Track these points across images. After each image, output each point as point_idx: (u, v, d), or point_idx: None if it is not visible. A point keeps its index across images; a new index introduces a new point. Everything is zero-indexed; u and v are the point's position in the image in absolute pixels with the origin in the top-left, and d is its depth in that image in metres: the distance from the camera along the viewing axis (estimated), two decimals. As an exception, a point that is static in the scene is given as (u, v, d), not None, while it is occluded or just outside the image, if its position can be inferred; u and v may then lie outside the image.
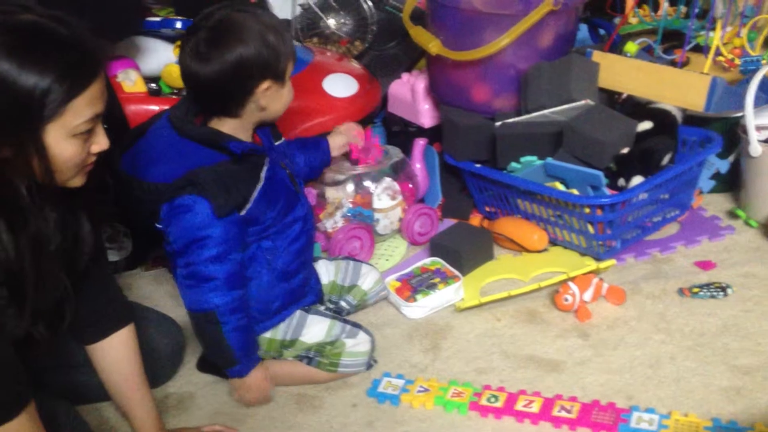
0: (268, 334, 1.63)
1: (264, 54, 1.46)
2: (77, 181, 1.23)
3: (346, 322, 1.66)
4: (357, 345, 1.64)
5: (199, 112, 1.55)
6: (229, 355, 1.50)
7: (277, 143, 1.68)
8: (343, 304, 1.81)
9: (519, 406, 1.53)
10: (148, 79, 2.07)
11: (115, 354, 1.46)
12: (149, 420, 1.48)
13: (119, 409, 1.52)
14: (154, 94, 2.06)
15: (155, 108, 1.95)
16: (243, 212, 1.50)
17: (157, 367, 1.62)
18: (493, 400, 1.55)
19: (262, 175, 1.54)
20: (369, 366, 1.67)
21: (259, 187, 1.53)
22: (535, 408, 1.52)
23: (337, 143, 1.92)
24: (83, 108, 1.15)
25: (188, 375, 1.72)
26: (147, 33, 2.09)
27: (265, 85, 1.49)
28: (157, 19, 2.13)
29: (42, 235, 1.21)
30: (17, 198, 1.16)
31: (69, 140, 1.16)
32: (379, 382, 1.63)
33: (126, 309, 1.49)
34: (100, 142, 1.21)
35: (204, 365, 1.72)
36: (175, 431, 1.54)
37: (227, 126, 1.52)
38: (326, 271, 1.79)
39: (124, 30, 1.93)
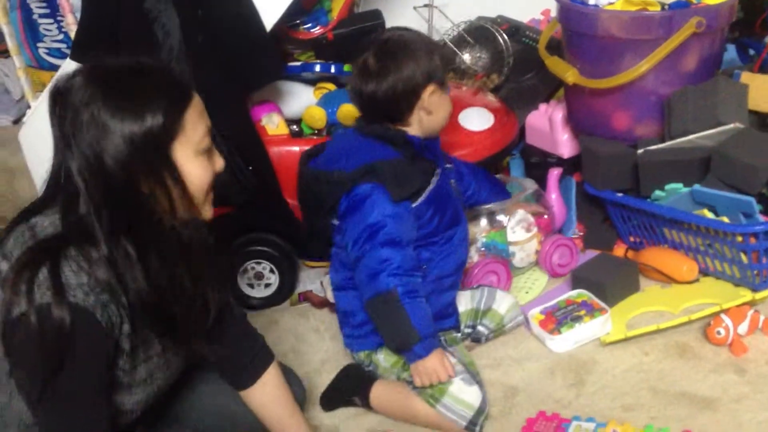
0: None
1: (430, 62, 1.61)
2: (207, 211, 1.29)
3: (469, 371, 1.60)
4: (463, 392, 1.56)
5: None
6: (412, 333, 1.53)
7: (447, 166, 1.76)
8: (480, 329, 1.81)
9: None
10: (290, 122, 2.15)
11: (272, 391, 1.49)
12: None
13: None
14: (296, 136, 2.13)
15: (296, 149, 2.03)
16: (414, 204, 1.62)
17: None
18: None
19: (433, 180, 1.67)
20: (470, 429, 1.56)
21: (430, 188, 1.65)
22: None
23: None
24: (197, 119, 1.21)
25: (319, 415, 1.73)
26: (288, 77, 2.18)
27: (430, 88, 1.62)
28: (298, 63, 2.21)
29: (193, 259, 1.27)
30: (162, 231, 1.22)
31: (196, 158, 1.22)
32: (569, 426, 1.56)
33: (266, 346, 1.52)
34: (218, 161, 1.28)
35: (329, 403, 1.73)
36: None
37: None
38: (462, 301, 1.81)
39: (267, 76, 2.02)
